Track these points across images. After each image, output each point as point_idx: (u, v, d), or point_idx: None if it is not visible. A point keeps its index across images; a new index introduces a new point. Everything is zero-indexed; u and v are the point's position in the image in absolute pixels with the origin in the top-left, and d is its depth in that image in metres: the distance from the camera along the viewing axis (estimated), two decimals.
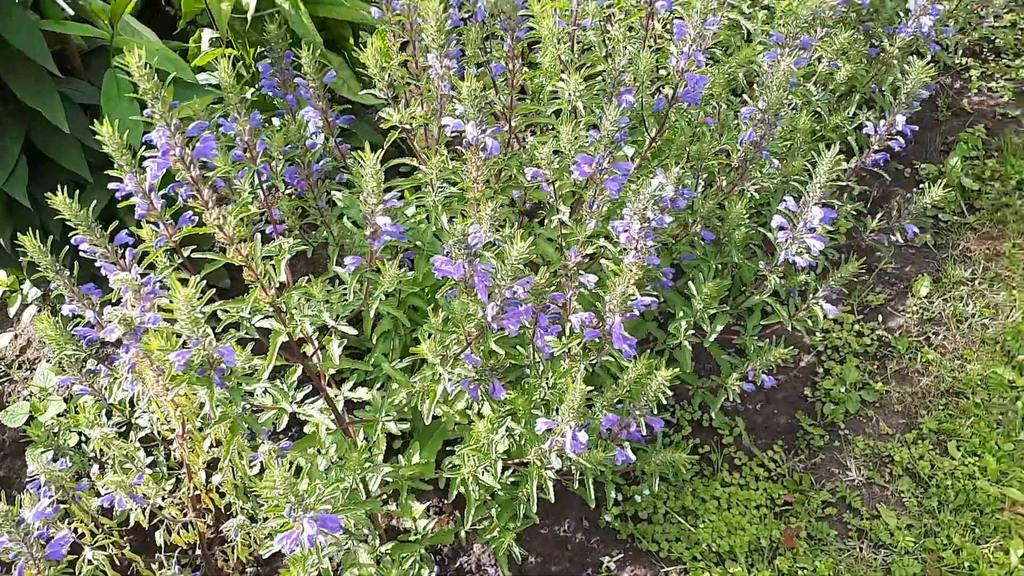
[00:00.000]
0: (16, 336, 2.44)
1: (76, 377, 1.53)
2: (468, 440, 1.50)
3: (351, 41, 2.76)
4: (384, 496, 1.75)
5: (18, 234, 1.99)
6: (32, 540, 1.11)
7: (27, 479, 2.12)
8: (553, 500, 1.64)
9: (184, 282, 1.08)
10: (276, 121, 1.72)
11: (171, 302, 1.07)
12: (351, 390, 1.67)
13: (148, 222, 1.36)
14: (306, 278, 1.50)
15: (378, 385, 1.71)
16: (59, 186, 1.98)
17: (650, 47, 1.87)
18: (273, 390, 1.37)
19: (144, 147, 1.33)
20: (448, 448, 1.89)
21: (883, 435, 2.33)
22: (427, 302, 1.71)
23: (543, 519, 2.15)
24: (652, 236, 1.35)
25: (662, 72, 1.85)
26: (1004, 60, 3.40)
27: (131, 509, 1.35)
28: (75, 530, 1.39)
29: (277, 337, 1.38)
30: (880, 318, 2.59)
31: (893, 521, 2.14)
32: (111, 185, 1.34)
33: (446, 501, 2.14)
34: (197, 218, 1.37)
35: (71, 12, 1.88)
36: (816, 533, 2.15)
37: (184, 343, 1.13)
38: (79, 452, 1.61)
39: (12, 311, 2.38)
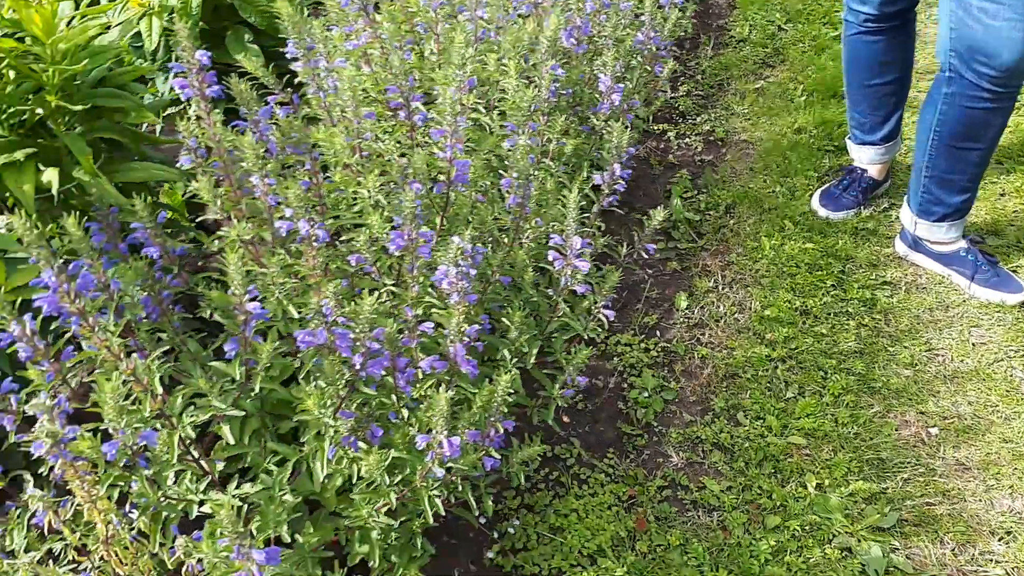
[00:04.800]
0: None
1: None
2: (359, 487, 1.74)
3: (149, 201, 2.98)
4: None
5: None
6: None
7: None
8: (442, 531, 1.85)
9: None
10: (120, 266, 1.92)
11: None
12: (236, 488, 1.84)
13: (34, 363, 1.51)
14: (180, 385, 1.69)
15: (258, 480, 1.90)
16: None
17: (415, 151, 2.33)
18: (177, 483, 1.54)
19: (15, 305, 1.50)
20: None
21: (688, 423, 2.81)
22: (291, 394, 1.94)
23: (432, 572, 2.36)
24: (466, 279, 1.73)
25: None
26: (690, 120, 4.29)
27: None
28: None
29: (173, 438, 1.57)
30: (658, 333, 3.14)
31: (716, 487, 2.59)
32: None
33: None
34: (76, 352, 1.55)
35: None
36: (661, 514, 2.55)
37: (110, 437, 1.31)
38: None
39: None
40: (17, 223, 1.37)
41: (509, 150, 2.37)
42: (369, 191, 1.92)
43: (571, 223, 1.99)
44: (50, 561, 1.68)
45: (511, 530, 2.51)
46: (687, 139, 4.17)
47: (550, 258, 2.06)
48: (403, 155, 2.24)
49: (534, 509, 2.58)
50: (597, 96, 2.83)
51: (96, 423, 1.42)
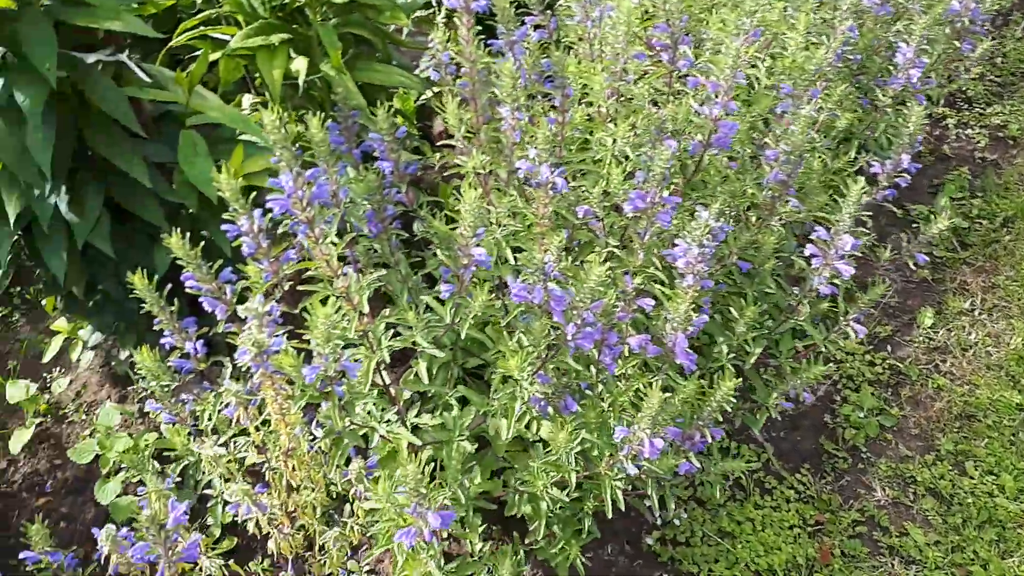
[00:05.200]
0: (72, 381, 2.55)
1: (167, 406, 1.65)
2: (537, 456, 1.63)
3: (385, 106, 2.97)
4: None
5: (106, 289, 2.13)
6: (170, 543, 1.22)
7: (90, 515, 2.21)
8: (612, 514, 1.75)
9: (324, 302, 1.22)
10: (351, 172, 1.89)
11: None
12: (416, 416, 1.79)
13: (254, 260, 1.50)
14: (386, 311, 1.64)
15: (438, 412, 1.84)
16: (135, 238, 2.13)
17: (670, 100, 2.09)
18: (363, 410, 1.50)
19: (249, 196, 1.48)
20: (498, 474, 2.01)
21: (904, 457, 2.46)
22: (487, 335, 1.85)
23: (586, 545, 2.25)
24: (706, 262, 1.51)
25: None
26: (976, 109, 3.67)
27: (254, 517, 1.45)
28: None
29: (370, 362, 1.52)
30: (889, 348, 2.76)
31: (921, 538, 2.26)
32: (224, 227, 1.49)
33: (495, 527, 2.24)
34: (297, 256, 1.52)
35: (148, 80, 2.06)
36: (849, 551, 2.26)
37: (311, 360, 1.27)
38: (162, 476, 1.72)
39: (74, 356, 2.50)
40: (267, 118, 1.32)
41: (772, 113, 2.08)
42: (617, 140, 1.73)
43: (846, 218, 1.69)
44: (232, 444, 1.72)
45: (677, 521, 2.33)
46: (969, 130, 3.58)
47: (806, 252, 1.78)
48: (655, 103, 2.02)
49: (706, 505, 2.38)
50: (889, 68, 2.43)
51: (301, 341, 1.39)
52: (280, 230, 1.50)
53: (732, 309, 1.81)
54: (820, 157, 2.25)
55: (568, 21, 2.10)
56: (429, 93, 2.97)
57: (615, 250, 1.75)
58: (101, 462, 2.24)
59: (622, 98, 1.89)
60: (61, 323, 2.44)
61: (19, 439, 2.35)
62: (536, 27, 2.21)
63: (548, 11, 2.26)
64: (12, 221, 1.89)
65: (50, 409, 2.49)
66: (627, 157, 1.76)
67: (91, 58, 1.93)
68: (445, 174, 3.14)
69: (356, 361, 1.34)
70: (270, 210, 1.43)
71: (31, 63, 1.74)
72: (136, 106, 2.01)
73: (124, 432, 2.31)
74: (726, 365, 1.79)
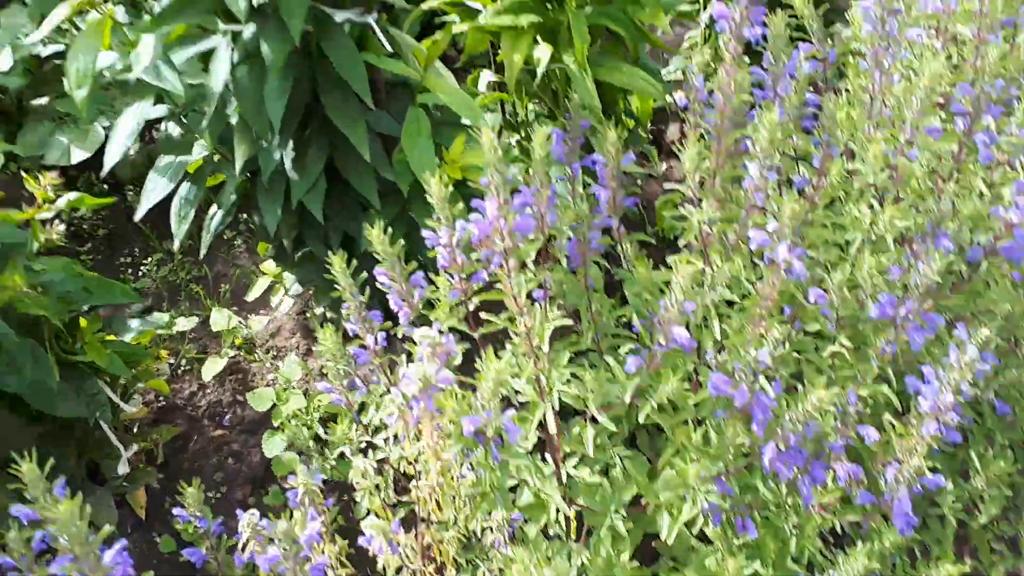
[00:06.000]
0: (270, 322, 2.66)
1: (339, 389, 1.62)
2: (697, 566, 1.44)
3: (621, 106, 2.78)
4: None
5: (312, 249, 2.17)
6: (300, 559, 1.19)
7: (256, 459, 2.30)
8: None
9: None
10: (559, 186, 1.75)
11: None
12: (575, 468, 1.65)
13: (447, 273, 1.42)
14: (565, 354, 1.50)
15: (598, 469, 1.68)
16: (346, 208, 2.13)
17: (952, 177, 1.74)
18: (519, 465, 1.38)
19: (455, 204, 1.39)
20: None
21: None
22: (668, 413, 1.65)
23: None
24: (959, 411, 1.22)
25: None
26: None
27: (385, 556, 1.41)
28: None
29: (536, 410, 1.40)
30: None
31: None
32: (424, 232, 1.42)
33: None
34: (487, 280, 1.42)
35: (389, 48, 2.02)
36: None
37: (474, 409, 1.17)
38: (321, 456, 1.72)
39: (274, 300, 2.59)
40: (485, 138, 1.21)
41: None
42: (883, 223, 1.44)
43: None
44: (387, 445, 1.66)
45: None
46: None
47: None
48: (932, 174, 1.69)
49: None
50: None
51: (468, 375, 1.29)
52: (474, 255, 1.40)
53: (972, 453, 1.49)
54: None
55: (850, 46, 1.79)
56: (669, 98, 2.75)
57: (845, 351, 1.48)
58: (274, 414, 2.31)
59: (896, 172, 1.58)
60: (269, 265, 2.53)
61: (212, 367, 2.47)
62: (810, 58, 1.93)
63: (829, 39, 1.96)
64: (238, 168, 1.94)
65: (244, 345, 2.60)
66: (890, 247, 1.47)
67: (340, 16, 1.91)
68: (667, 188, 2.91)
69: (520, 422, 1.22)
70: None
71: (281, 15, 1.74)
72: (371, 73, 1.98)
73: (301, 388, 2.36)
74: (949, 518, 1.48)
